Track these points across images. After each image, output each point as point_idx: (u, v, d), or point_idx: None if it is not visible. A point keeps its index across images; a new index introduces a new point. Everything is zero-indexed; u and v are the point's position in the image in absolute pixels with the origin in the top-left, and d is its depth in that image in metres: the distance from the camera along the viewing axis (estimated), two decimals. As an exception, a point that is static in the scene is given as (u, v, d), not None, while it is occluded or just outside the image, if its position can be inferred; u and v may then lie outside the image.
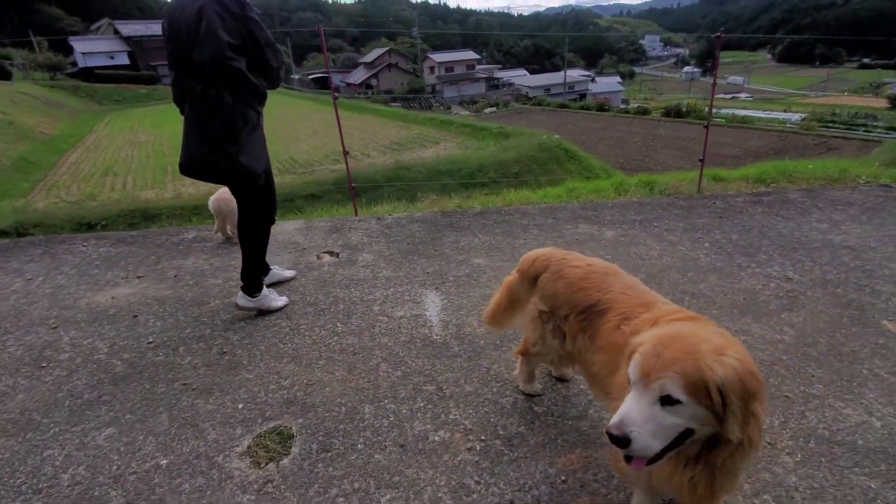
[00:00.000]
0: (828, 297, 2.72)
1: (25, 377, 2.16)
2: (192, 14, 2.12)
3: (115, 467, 1.71)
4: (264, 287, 2.63)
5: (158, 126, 29.79)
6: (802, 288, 2.83)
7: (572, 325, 1.62)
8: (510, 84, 53.62)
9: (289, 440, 1.82)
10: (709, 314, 2.59)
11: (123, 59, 49.83)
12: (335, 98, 4.05)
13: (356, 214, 4.35)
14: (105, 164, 21.24)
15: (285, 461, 1.72)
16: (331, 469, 1.69)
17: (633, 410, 1.00)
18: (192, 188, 17.14)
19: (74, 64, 47.06)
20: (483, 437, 1.81)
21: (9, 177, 18.06)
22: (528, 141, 17.41)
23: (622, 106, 43.52)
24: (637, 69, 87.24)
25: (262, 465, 1.71)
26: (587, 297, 1.57)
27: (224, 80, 2.18)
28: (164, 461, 1.73)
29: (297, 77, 71.83)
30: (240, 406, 1.99)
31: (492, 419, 1.90)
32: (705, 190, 4.91)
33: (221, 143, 2.22)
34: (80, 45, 48.56)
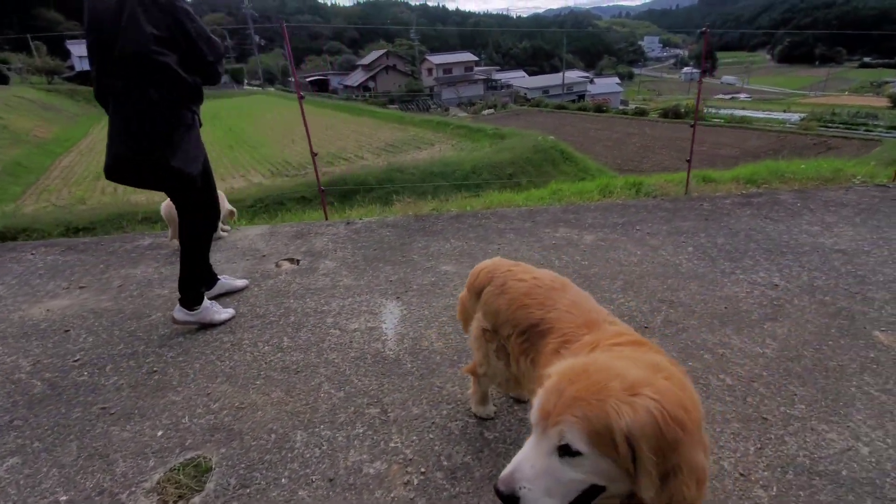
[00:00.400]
0: (815, 305, 2.53)
1: (-69, 400, 1.98)
2: (112, 5, 1.94)
3: (11, 503, 1.52)
4: (205, 299, 2.44)
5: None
6: (789, 296, 2.64)
7: (514, 347, 1.43)
8: (508, 85, 53.50)
9: (205, 474, 1.62)
10: (686, 325, 2.40)
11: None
12: (300, 97, 3.87)
13: (326, 219, 4.16)
14: (97, 167, 21.01)
15: (196, 499, 1.53)
16: (246, 508, 1.50)
17: (525, 462, 0.81)
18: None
19: (72, 68, 47.00)
20: (423, 469, 1.62)
21: (1, 181, 17.92)
22: (522, 142, 17.24)
23: (621, 107, 43.36)
24: (636, 70, 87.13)
25: (168, 503, 1.52)
26: (529, 315, 1.38)
27: (150, 77, 1.99)
28: (64, 497, 1.54)
29: (293, 79, 71.73)
30: (158, 434, 1.80)
31: (436, 447, 1.71)
32: (693, 191, 4.72)
33: (149, 145, 2.04)
34: (76, 48, 48.50)
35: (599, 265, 3.09)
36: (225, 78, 59.24)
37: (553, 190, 5.03)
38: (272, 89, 62.92)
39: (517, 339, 1.41)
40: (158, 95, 2.02)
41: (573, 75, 57.57)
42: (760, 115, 35.22)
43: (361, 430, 1.79)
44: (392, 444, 1.73)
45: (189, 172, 2.13)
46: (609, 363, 0.87)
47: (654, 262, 3.11)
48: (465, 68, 54.24)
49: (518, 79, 57.18)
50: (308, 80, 69.97)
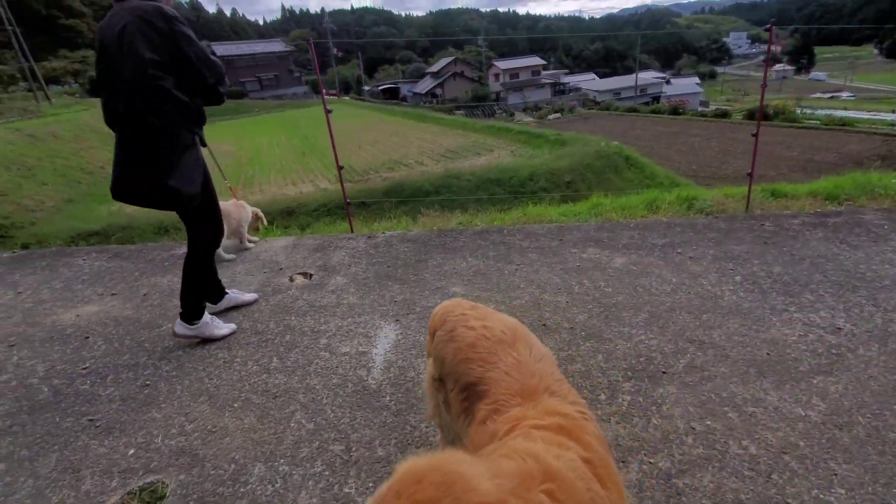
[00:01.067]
0: (886, 357, 2.06)
1: (-42, 398, 2.17)
2: (116, 34, 2.02)
3: (-20, 514, 1.60)
4: (206, 314, 2.49)
5: (241, 138, 32.33)
6: (853, 343, 2.18)
7: (455, 403, 1.25)
8: (577, 89, 51.85)
9: (158, 501, 1.61)
10: (714, 372, 2.06)
11: (218, 76, 54.86)
12: (328, 112, 3.89)
13: (351, 231, 4.17)
14: None
15: (142, 529, 1.52)
16: (184, 545, 1.45)
17: None
18: (259, 195, 18.27)
19: None
20: (371, 523, 1.48)
21: (106, 185, 20.37)
22: (584, 148, 16.52)
23: (700, 109, 40.34)
24: (720, 69, 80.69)
25: (116, 531, 1.51)
26: (469, 371, 1.20)
27: (148, 100, 2.06)
28: (28, 512, 1.60)
29: (367, 88, 74.98)
30: (130, 452, 1.82)
31: (392, 497, 1.56)
32: (757, 208, 4.16)
33: (146, 166, 2.10)
34: None
35: (625, 293, 2.77)
36: (304, 88, 63.30)
37: (593, 204, 4.67)
38: (347, 98, 66.14)
39: (458, 395, 1.24)
40: (157, 118, 2.07)
41: (647, 76, 54.53)
42: (865, 115, 31.06)
43: (319, 469, 1.69)
44: (346, 490, 1.61)
45: (186, 191, 2.17)
46: (458, 470, 0.68)
47: (691, 293, 2.73)
48: (532, 72, 53.39)
49: (587, 81, 55.27)
50: (380, 88, 72.69)
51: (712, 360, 2.16)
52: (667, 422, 1.82)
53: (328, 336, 2.52)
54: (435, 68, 63.81)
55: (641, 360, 2.19)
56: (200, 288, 2.44)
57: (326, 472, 1.68)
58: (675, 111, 34.03)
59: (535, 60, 56.01)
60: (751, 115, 26.85)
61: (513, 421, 0.97)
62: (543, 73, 55.49)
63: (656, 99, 46.26)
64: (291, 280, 3.19)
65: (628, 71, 61.59)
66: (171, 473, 1.72)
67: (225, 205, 3.49)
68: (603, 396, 1.98)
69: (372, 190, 15.84)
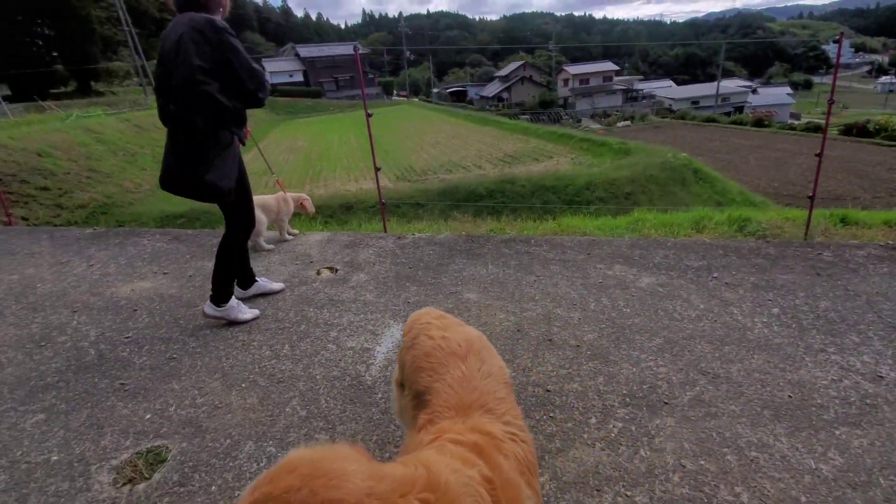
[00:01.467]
0: (930, 417, 1.82)
1: (24, 353, 2.52)
2: (174, 41, 2.26)
3: (19, 452, 1.86)
4: (233, 298, 2.70)
5: (315, 135, 34.23)
6: (894, 395, 1.95)
7: (408, 409, 1.29)
8: (651, 96, 49.48)
9: (160, 464, 1.78)
10: (722, 409, 1.93)
11: (299, 77, 58.80)
12: (368, 115, 4.04)
13: (385, 231, 4.30)
14: (266, 165, 25.01)
15: (140, 486, 1.69)
16: (171, 507, 1.61)
17: None
18: (323, 190, 19.23)
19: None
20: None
21: None
22: (648, 159, 15.75)
23: (790, 121, 37.00)
24: (816, 79, 73.34)
25: (120, 486, 1.70)
26: (420, 379, 1.24)
27: (194, 103, 2.28)
28: (56, 457, 1.83)
29: (436, 91, 76.36)
30: (147, 417, 2.03)
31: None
32: (819, 235, 3.79)
33: (189, 162, 2.32)
34: (269, 65, 58.44)
35: (644, 315, 2.65)
36: (377, 89, 65.73)
37: (634, 219, 4.47)
38: (416, 100, 67.84)
39: (411, 401, 1.27)
40: (201, 119, 2.29)
41: (731, 84, 50.83)
42: None
43: (302, 455, 1.79)
44: (322, 477, 1.69)
45: (222, 187, 2.37)
46: (332, 466, 0.71)
47: (717, 322, 2.56)
48: (603, 78, 51.67)
49: (663, 89, 52.54)
50: (448, 91, 73.79)
51: (723, 396, 2.02)
52: (656, 455, 1.73)
53: (339, 329, 2.64)
54: (503, 72, 63.60)
55: (644, 387, 2.10)
56: (229, 274, 2.65)
57: (308, 459, 1.77)
58: (759, 123, 31.50)
59: (608, 66, 54.15)
60: (848, 131, 24.24)
61: (437, 433, 0.99)
62: (616, 79, 53.50)
63: (739, 109, 43.03)
64: (318, 273, 3.36)
65: (710, 79, 57.77)
66: (175, 440, 1.90)
67: (266, 198, 3.75)
68: (593, 420, 1.92)
69: (427, 190, 16.11)
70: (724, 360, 2.25)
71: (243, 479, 1.70)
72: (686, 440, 1.79)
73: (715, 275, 3.09)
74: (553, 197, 14.45)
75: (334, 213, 13.65)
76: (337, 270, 3.40)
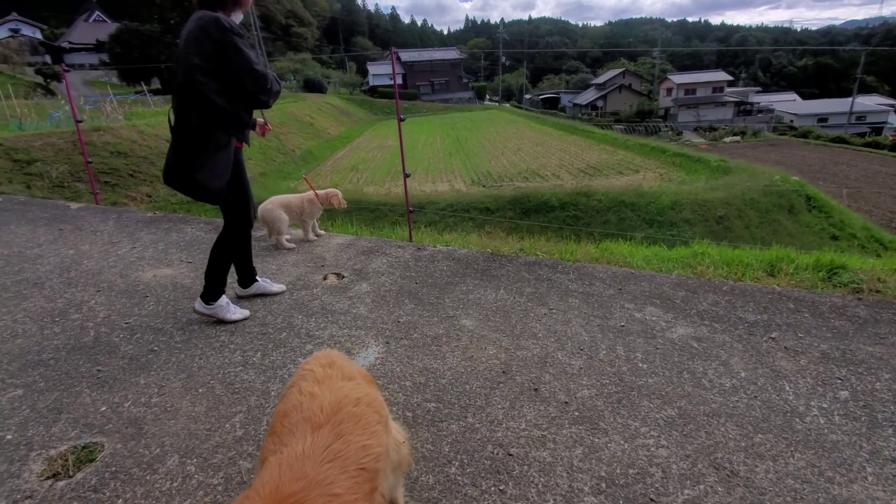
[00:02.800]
0: None
1: (38, 326, 2.71)
2: (183, 39, 2.28)
3: (-15, 427, 1.95)
4: (223, 297, 2.68)
5: (406, 135, 35.38)
6: None
7: None
8: (768, 110, 44.25)
9: (87, 463, 1.76)
10: None
11: (399, 80, 61.52)
12: (400, 119, 3.89)
13: (410, 240, 4.13)
14: (355, 161, 26.50)
15: (60, 483, 1.67)
16: (74, 514, 1.55)
17: None
18: (399, 189, 19.77)
19: (367, 83, 60.55)
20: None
21: (296, 164, 24.33)
22: (750, 180, 13.95)
23: (948, 147, 30.92)
24: None
25: (43, 479, 1.69)
26: (266, 445, 1.03)
27: (191, 101, 2.28)
28: (9, 437, 1.89)
29: (528, 96, 75.32)
30: (102, 409, 2.04)
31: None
32: (939, 296, 2.93)
33: (182, 160, 2.33)
34: (372, 68, 61.83)
35: (662, 376, 2.19)
36: (470, 94, 66.53)
37: (694, 252, 3.83)
38: (507, 105, 67.48)
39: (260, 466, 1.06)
40: (196, 118, 2.28)
41: (869, 102, 43.70)
42: None
43: (216, 482, 1.66)
44: (224, 512, 1.54)
45: (211, 187, 2.35)
46: None
47: (757, 398, 2.03)
48: (713, 89, 47.24)
49: (785, 102, 46.75)
50: (540, 97, 72.44)
51: (740, 501, 1.55)
52: (613, 570, 1.35)
53: (316, 343, 2.50)
54: (600, 79, 60.94)
55: (631, 472, 1.68)
56: (221, 272, 2.63)
57: (220, 488, 1.64)
58: (903, 147, 26.73)
59: (719, 76, 49.42)
60: None
61: None
62: (728, 90, 48.65)
63: (877, 130, 36.87)
64: (325, 279, 3.28)
65: (845, 94, 50.23)
66: (113, 440, 1.87)
67: (290, 197, 3.76)
68: (550, 504, 1.56)
69: (498, 197, 15.79)
70: (750, 454, 1.75)
71: (150, 498, 1.61)
72: (661, 558, 1.38)
73: (773, 335, 2.49)
74: (631, 214, 13.39)
75: (405, 212, 13.88)
76: (343, 277, 3.29)
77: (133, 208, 7.40)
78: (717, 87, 47.44)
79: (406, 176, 4.02)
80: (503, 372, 2.24)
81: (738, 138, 35.37)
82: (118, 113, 17.43)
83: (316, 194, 3.83)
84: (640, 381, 2.16)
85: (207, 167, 2.34)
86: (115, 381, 2.22)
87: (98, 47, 38.46)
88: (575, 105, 58.99)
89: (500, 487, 1.64)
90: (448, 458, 1.75)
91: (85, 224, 4.53)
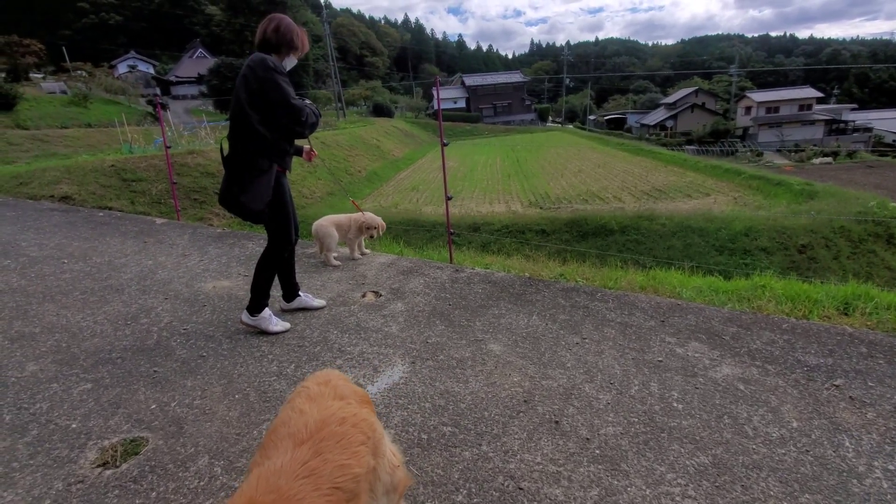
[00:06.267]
0: None
1: (113, 328, 3.05)
2: (239, 76, 2.55)
3: (55, 413, 2.21)
4: (266, 310, 2.87)
5: (465, 156, 36.17)
6: None
7: None
8: (866, 129, 40.00)
9: (133, 455, 1.94)
10: None
11: (462, 104, 63.20)
12: (443, 145, 3.98)
13: (450, 261, 4.18)
14: (416, 182, 27.37)
15: (108, 472, 1.86)
16: (116, 501, 1.72)
17: None
18: (457, 209, 20.06)
19: (432, 107, 62.78)
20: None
21: (361, 185, 25.61)
22: (840, 206, 12.61)
23: None
24: None
25: (95, 466, 1.89)
26: (254, 456, 1.09)
27: (239, 131, 2.53)
28: (74, 425, 2.14)
29: (593, 117, 73.90)
30: (152, 406, 2.25)
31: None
32: None
33: (230, 182, 2.58)
34: (436, 92, 63.85)
35: (698, 419, 2.03)
36: (532, 116, 66.65)
37: (754, 284, 3.53)
38: (570, 126, 66.66)
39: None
40: (241, 145, 2.53)
41: None
42: None
43: (237, 484, 1.77)
44: (240, 515, 1.64)
45: (252, 208, 2.57)
46: None
47: (809, 454, 1.82)
48: (799, 106, 43.62)
49: (887, 120, 42.05)
50: (605, 118, 70.84)
51: (765, 568, 1.40)
52: None
53: (346, 358, 2.60)
54: (670, 99, 58.51)
55: (648, 520, 1.57)
56: (264, 286, 2.83)
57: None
58: None
59: (807, 92, 45.58)
60: None
61: None
62: (817, 107, 44.69)
63: None
64: (363, 296, 3.40)
65: (966, 109, 44.14)
66: (158, 436, 2.05)
67: (340, 217, 3.96)
68: (556, 544, 1.50)
69: (553, 219, 15.51)
70: (791, 515, 1.57)
71: (180, 493, 1.74)
72: None
73: (837, 382, 2.24)
74: (699, 240, 12.57)
75: (460, 233, 14.01)
76: (381, 295, 3.39)
77: (206, 225, 8.11)
78: (805, 105, 43.72)
79: (448, 199, 4.10)
80: (525, 401, 2.19)
81: (829, 159, 32.24)
82: (210, 137, 19.35)
83: (363, 214, 4.01)
84: (673, 422, 2.02)
85: (250, 190, 2.56)
86: (167, 382, 2.44)
87: (199, 80, 43.13)
88: (642, 125, 56.95)
89: (506, 521, 1.60)
90: (457, 486, 1.74)
91: (165, 238, 5.05)
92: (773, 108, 44.14)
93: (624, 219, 14.04)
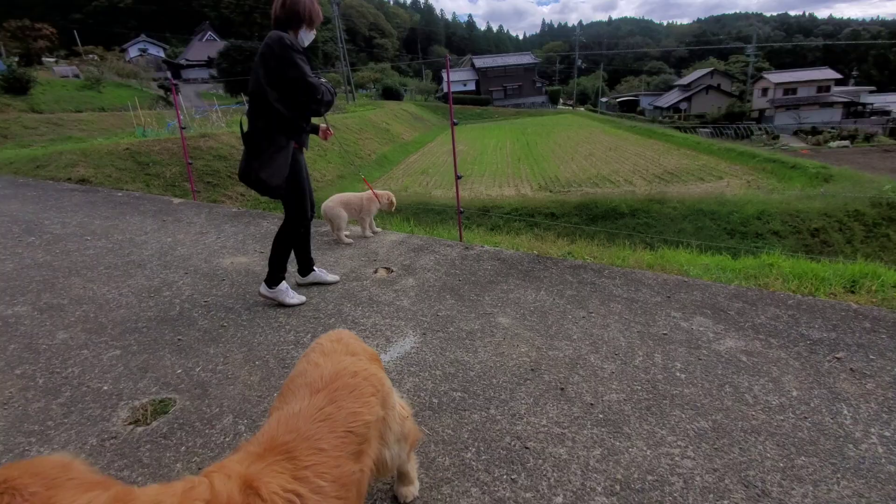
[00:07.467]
0: None
1: (138, 300, 3.18)
2: (257, 54, 2.60)
3: (87, 377, 2.35)
4: (283, 283, 2.97)
5: (475, 140, 35.89)
6: None
7: None
8: (885, 112, 38.89)
9: (162, 414, 2.07)
10: None
11: (472, 86, 62.41)
12: (453, 123, 4.01)
13: (460, 240, 4.25)
14: (426, 165, 27.30)
15: (139, 429, 1.99)
16: (148, 454, 1.85)
17: None
18: (466, 192, 20.02)
19: (441, 90, 62.09)
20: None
21: (371, 168, 25.64)
22: (855, 189, 12.40)
23: None
24: None
25: (127, 424, 2.02)
26: (274, 403, 1.19)
27: (257, 108, 2.60)
28: (105, 387, 2.27)
29: (605, 100, 72.58)
30: (178, 371, 2.38)
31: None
32: None
33: (249, 158, 2.65)
34: (444, 75, 63.14)
35: (700, 387, 2.11)
36: (543, 98, 65.66)
37: (761, 263, 3.55)
38: (581, 109, 65.60)
39: None
40: (260, 122, 2.60)
41: None
42: None
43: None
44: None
45: (271, 183, 2.65)
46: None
47: (807, 421, 1.89)
48: (817, 88, 42.46)
49: (910, 103, 40.83)
50: (617, 100, 69.54)
51: (758, 522, 1.48)
52: (612, 566, 1.36)
53: (359, 329, 2.70)
54: (685, 80, 57.26)
55: (650, 479, 1.66)
56: (281, 260, 2.93)
57: (263, 446, 1.86)
58: None
59: (826, 73, 44.29)
60: None
61: (218, 468, 0.93)
62: (836, 89, 43.47)
63: None
64: (375, 272, 3.50)
65: None
66: (184, 397, 2.18)
67: (350, 196, 4.04)
68: (559, 499, 1.59)
69: (563, 202, 15.47)
70: (788, 476, 1.65)
71: (208, 448, 1.87)
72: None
73: (839, 354, 2.29)
74: (710, 223, 12.49)
75: (471, 216, 14.04)
76: (392, 271, 3.48)
77: (222, 205, 8.25)
78: (823, 87, 42.55)
79: (458, 177, 4.14)
80: (532, 370, 2.28)
81: (846, 143, 31.52)
82: (221, 121, 19.45)
83: (375, 194, 4.08)
84: (675, 390, 2.10)
85: (269, 166, 2.63)
86: (191, 349, 2.56)
87: (209, 63, 43.08)
88: (655, 108, 55.91)
89: (513, 477, 1.69)
90: (465, 444, 1.84)
91: (183, 217, 5.18)
92: (790, 89, 43.04)
93: (634, 202, 13.97)
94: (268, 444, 1.00)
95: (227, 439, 1.91)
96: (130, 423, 2.02)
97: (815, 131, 35.48)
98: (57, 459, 0.85)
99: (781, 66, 62.33)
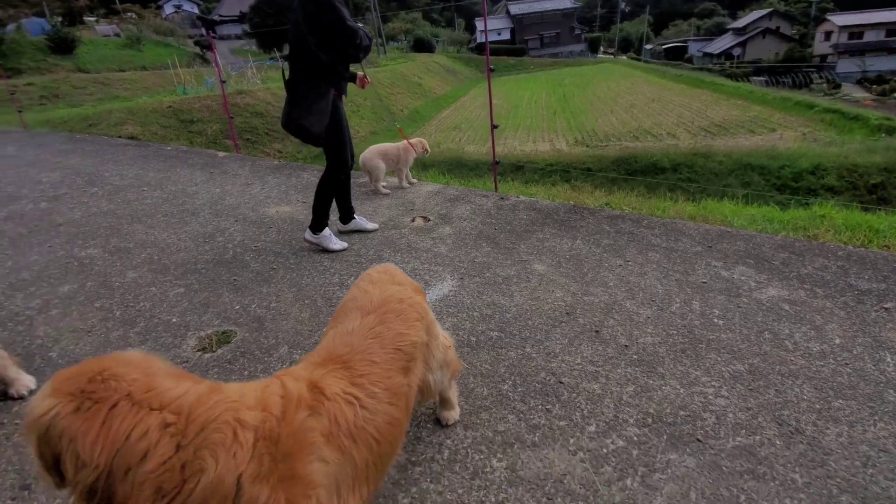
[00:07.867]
0: None
1: (195, 244, 3.40)
2: (296, 2, 2.61)
3: (157, 311, 2.59)
4: (326, 229, 3.11)
5: (509, 93, 34.63)
6: None
7: None
8: (976, 54, 34.58)
9: (225, 343, 2.28)
10: (777, 475, 1.52)
11: (506, 35, 59.46)
12: (489, 70, 3.90)
13: (495, 190, 4.25)
14: (458, 120, 26.74)
15: (207, 355, 2.20)
16: (216, 376, 2.06)
17: None
18: (500, 147, 19.60)
19: (475, 40, 59.48)
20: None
21: (403, 124, 25.41)
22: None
23: None
24: None
25: (196, 350, 2.24)
26: (329, 324, 1.31)
27: (297, 55, 2.63)
28: (174, 320, 2.50)
29: (649, 47, 67.71)
30: (236, 307, 2.58)
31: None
32: None
33: (291, 106, 2.72)
34: (480, 24, 60.28)
35: (738, 333, 2.12)
36: (582, 46, 61.94)
37: (813, 214, 3.41)
38: (624, 58, 61.65)
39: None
40: (301, 70, 2.64)
41: None
42: None
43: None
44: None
45: (312, 130, 2.72)
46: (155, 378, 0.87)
47: (848, 366, 1.90)
48: (886, 32, 38.08)
49: None
50: (664, 47, 64.75)
51: (790, 459, 1.54)
52: (643, 492, 1.46)
53: (401, 274, 2.82)
54: (740, 23, 52.51)
55: (682, 413, 1.73)
56: (325, 207, 3.05)
57: (317, 373, 2.04)
58: None
59: (904, 12, 39.40)
60: None
61: (284, 373, 1.06)
62: (916, 30, 38.75)
63: None
64: (413, 221, 3.58)
65: None
66: (243, 329, 2.38)
67: (388, 146, 4.08)
68: (592, 428, 1.69)
69: (600, 157, 14.95)
70: (823, 416, 1.68)
71: (267, 371, 2.06)
72: (697, 490, 1.45)
73: (888, 305, 2.24)
74: (758, 179, 11.85)
75: (505, 171, 13.85)
76: (429, 220, 3.56)
77: (264, 158, 8.46)
78: (892, 30, 38.07)
79: (494, 127, 4.09)
80: (567, 313, 2.35)
81: (921, 92, 28.44)
82: (256, 77, 19.52)
83: (410, 143, 4.11)
84: (712, 335, 2.13)
85: (311, 113, 2.70)
86: (246, 289, 2.76)
87: (241, 18, 42.67)
88: (705, 55, 51.82)
89: (547, 407, 1.80)
90: (503, 378, 1.95)
91: (228, 169, 5.38)
92: (857, 32, 38.77)
93: (677, 156, 13.35)
94: (327, 356, 1.12)
95: (284, 365, 2.09)
96: (199, 350, 2.24)
97: (880, 80, 32.16)
98: (140, 354, 0.95)
99: (848, 7, 55.90)
